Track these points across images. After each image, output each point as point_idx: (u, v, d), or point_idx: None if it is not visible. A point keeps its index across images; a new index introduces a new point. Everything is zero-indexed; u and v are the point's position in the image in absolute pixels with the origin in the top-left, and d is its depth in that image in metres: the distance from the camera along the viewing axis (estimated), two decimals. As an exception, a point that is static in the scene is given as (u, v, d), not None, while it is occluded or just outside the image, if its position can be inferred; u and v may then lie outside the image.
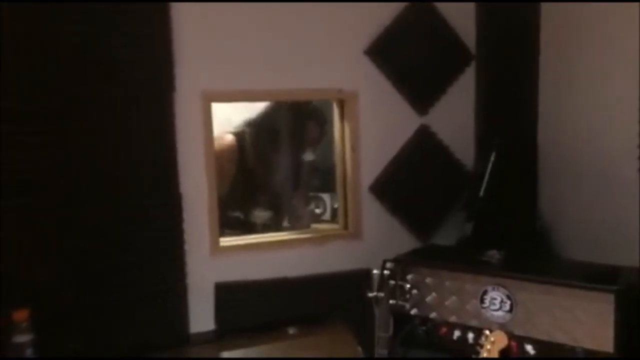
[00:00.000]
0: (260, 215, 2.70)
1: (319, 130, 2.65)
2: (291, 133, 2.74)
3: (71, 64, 1.91)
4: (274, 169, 2.78)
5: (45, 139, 1.90)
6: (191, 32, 2.07)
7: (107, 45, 1.96)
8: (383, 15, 2.33)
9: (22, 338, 1.79)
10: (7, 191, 1.86)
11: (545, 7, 2.42)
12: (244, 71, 2.17)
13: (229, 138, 2.62)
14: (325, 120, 2.58)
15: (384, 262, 1.98)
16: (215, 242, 2.17)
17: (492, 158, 2.33)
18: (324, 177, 2.70)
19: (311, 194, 3.33)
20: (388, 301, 1.93)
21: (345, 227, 2.41)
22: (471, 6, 2.48)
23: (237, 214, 2.67)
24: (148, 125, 2.02)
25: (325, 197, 2.82)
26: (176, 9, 2.04)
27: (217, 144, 2.46)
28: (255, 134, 2.65)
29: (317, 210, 3.31)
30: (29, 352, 1.80)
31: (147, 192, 2.03)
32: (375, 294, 1.94)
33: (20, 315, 1.79)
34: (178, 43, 2.04)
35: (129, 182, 2.01)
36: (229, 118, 2.67)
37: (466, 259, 2.00)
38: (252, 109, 2.69)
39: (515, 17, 2.48)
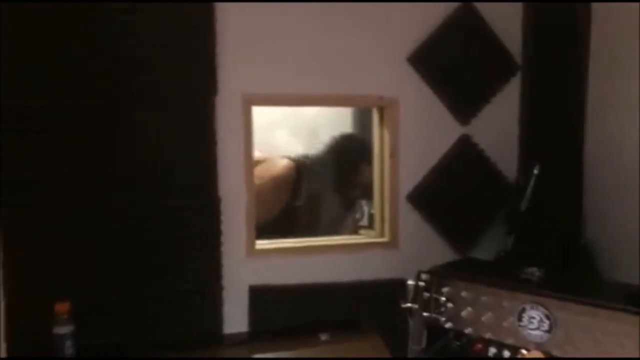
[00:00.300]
0: None
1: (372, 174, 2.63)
2: (343, 174, 2.74)
3: (114, 64, 1.95)
4: (322, 203, 2.78)
5: (86, 138, 1.95)
6: (234, 36, 2.09)
7: (151, 46, 1.99)
8: (427, 23, 2.30)
9: (63, 330, 1.86)
10: (51, 186, 1.92)
11: (595, 11, 2.33)
12: (285, 76, 2.18)
13: (284, 163, 2.63)
14: None
15: (419, 273, 1.95)
16: (251, 245, 2.18)
17: (536, 170, 2.28)
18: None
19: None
20: (422, 313, 1.90)
21: (382, 235, 2.39)
22: (518, 14, 2.42)
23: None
24: (189, 127, 2.05)
25: (363, 202, 2.80)
26: (221, 12, 2.06)
27: (270, 167, 2.46)
28: (311, 167, 2.67)
29: (356, 216, 3.29)
30: (68, 344, 1.86)
31: (187, 193, 2.06)
32: (409, 305, 1.92)
33: (62, 307, 1.86)
34: (221, 46, 2.06)
35: (168, 183, 2.04)
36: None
37: (505, 275, 1.95)
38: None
39: (564, 24, 2.41)
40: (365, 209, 2.73)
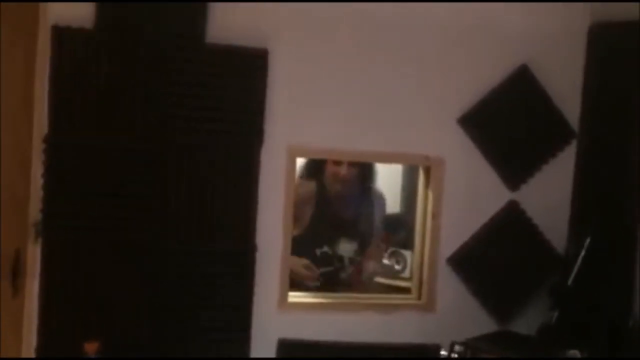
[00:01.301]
0: (346, 247, 2.71)
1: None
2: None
3: (164, 110, 2.01)
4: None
5: (130, 178, 2.00)
6: (283, 89, 2.11)
7: (203, 97, 2.04)
8: (481, 85, 2.27)
9: (91, 369, 1.88)
10: (89, 225, 1.98)
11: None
12: (331, 129, 2.19)
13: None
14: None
15: (452, 343, 1.89)
16: (284, 297, 2.17)
17: (587, 244, 2.17)
18: (410, 234, 2.63)
19: (393, 248, 3.25)
20: (452, 387, 1.83)
21: (419, 297, 2.32)
22: (579, 80, 2.35)
23: (325, 249, 2.69)
24: (233, 175, 2.08)
25: (407, 254, 2.74)
26: (271, 66, 2.09)
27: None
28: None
29: (397, 267, 3.23)
30: (94, 383, 1.88)
31: (225, 240, 2.08)
32: (439, 377, 1.85)
33: (91, 347, 1.88)
34: (270, 98, 2.09)
35: (209, 229, 2.06)
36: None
37: (543, 355, 1.86)
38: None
39: (625, 94, 2.32)
40: (408, 260, 2.68)
